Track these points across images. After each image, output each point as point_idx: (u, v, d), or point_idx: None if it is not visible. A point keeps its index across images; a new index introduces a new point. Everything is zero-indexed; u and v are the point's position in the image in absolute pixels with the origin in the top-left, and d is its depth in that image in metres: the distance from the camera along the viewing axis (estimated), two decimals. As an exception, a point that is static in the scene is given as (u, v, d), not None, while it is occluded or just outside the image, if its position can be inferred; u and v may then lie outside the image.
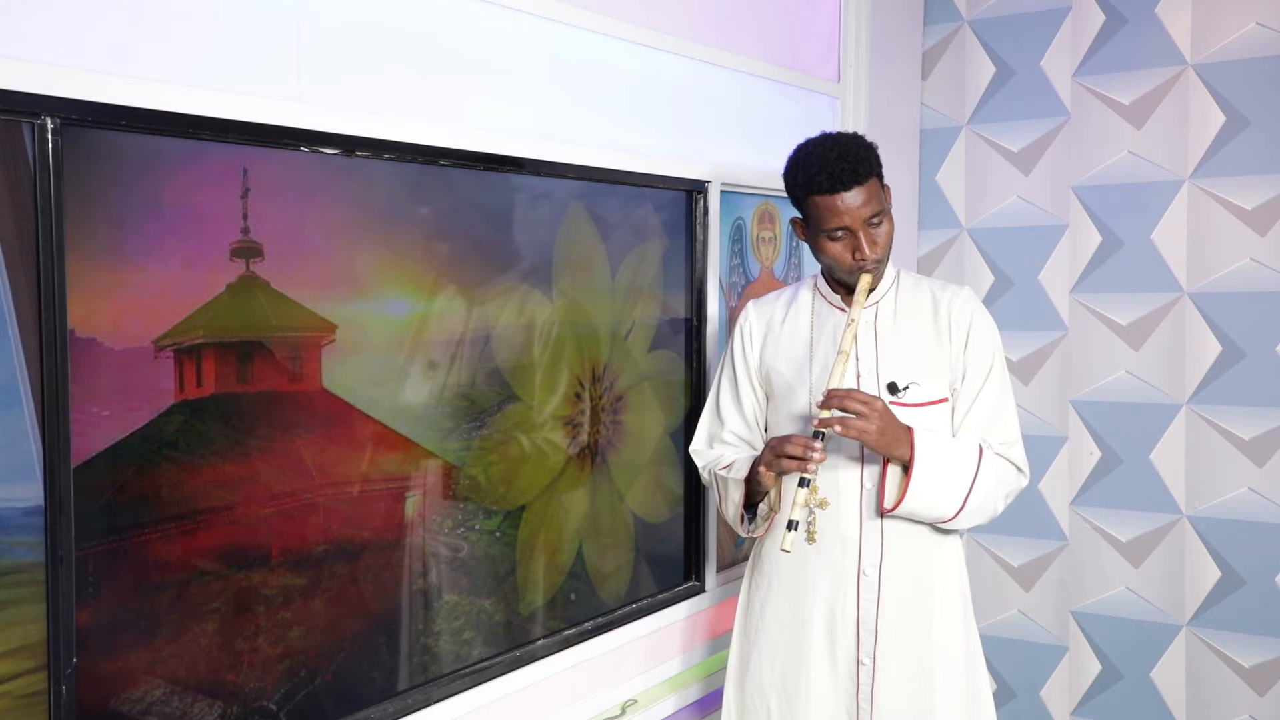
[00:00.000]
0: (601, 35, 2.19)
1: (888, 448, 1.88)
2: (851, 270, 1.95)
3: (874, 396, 1.86)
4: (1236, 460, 2.99)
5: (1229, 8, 2.96)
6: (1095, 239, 3.17)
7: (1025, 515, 3.29)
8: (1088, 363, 3.19)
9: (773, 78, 2.73)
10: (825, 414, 1.84)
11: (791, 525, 1.81)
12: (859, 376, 1.99)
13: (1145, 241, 3.09)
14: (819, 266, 2.08)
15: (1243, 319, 2.97)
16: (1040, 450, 3.26)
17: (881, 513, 1.96)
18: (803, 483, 1.83)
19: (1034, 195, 3.27)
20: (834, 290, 2.06)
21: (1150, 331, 3.09)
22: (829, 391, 1.84)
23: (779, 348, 2.08)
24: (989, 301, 3.33)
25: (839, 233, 1.92)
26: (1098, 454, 3.19)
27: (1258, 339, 2.95)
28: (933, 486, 1.91)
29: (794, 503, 1.82)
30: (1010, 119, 3.29)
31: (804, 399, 2.02)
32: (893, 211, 1.99)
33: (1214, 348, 3.01)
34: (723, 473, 2.06)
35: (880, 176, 1.96)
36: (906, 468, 1.91)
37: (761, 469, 1.92)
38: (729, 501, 2.05)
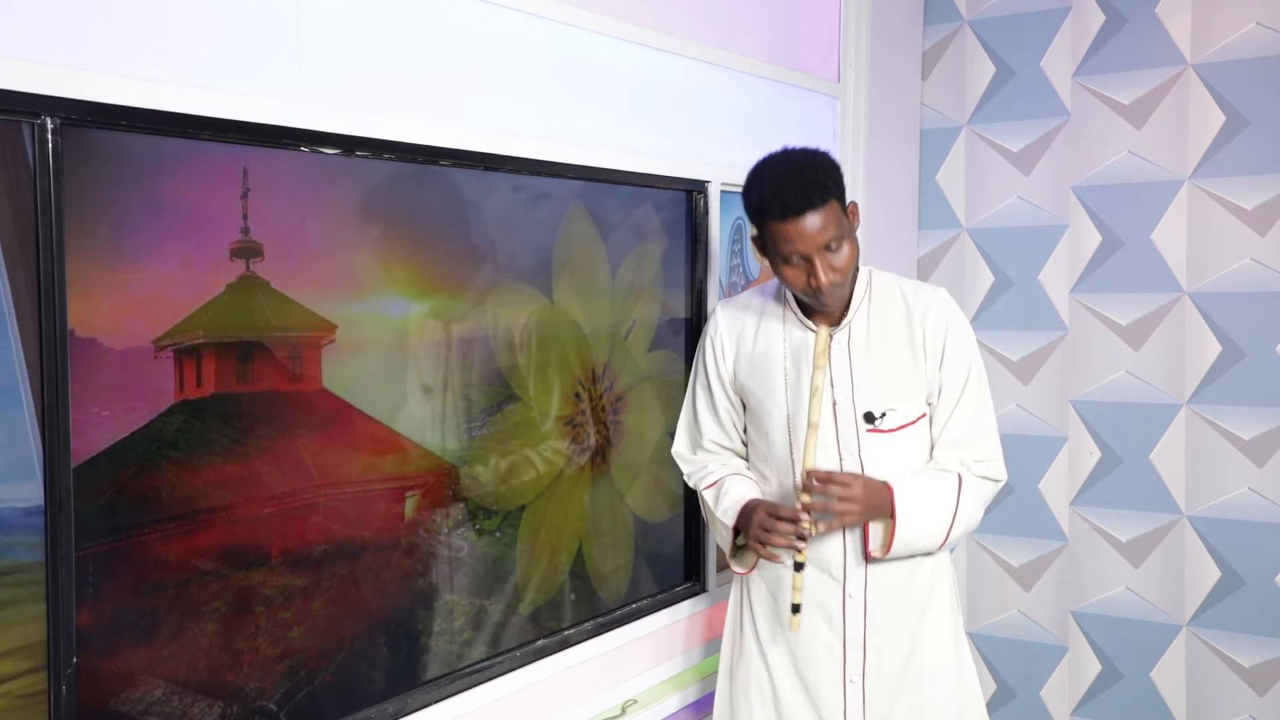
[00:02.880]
0: (602, 35, 2.19)
1: (873, 516, 1.91)
2: (807, 294, 1.90)
3: (853, 477, 1.86)
4: (1236, 460, 2.98)
5: (1229, 8, 2.96)
6: (1095, 239, 3.17)
7: (1025, 515, 3.29)
8: (1088, 363, 3.19)
9: (773, 78, 2.73)
10: (807, 498, 1.86)
11: (795, 609, 1.86)
12: (835, 405, 1.97)
13: (1145, 241, 3.09)
14: None
15: (1243, 319, 2.97)
16: (1040, 450, 3.26)
17: (867, 557, 1.97)
18: (798, 567, 1.86)
19: (1034, 195, 3.27)
20: (805, 315, 2.01)
21: (1150, 331, 3.09)
22: (809, 474, 1.86)
23: (752, 366, 2.06)
24: (989, 301, 3.33)
25: (795, 258, 1.86)
26: (1098, 454, 3.18)
27: (1258, 339, 2.95)
28: (916, 533, 1.93)
29: (794, 587, 1.86)
30: (1010, 119, 3.29)
31: (782, 426, 2.01)
32: (862, 229, 2.01)
33: (1214, 348, 3.00)
34: (707, 495, 2.07)
35: (840, 198, 1.87)
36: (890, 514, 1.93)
37: (752, 542, 1.94)
38: (716, 532, 2.08)
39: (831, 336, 1.93)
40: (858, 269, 1.98)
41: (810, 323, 2.00)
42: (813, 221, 1.81)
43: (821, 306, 1.94)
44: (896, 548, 1.93)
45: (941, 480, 1.96)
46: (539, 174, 2.07)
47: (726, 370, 2.09)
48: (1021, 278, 3.29)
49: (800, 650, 2.01)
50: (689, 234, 2.49)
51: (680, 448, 2.19)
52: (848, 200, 1.91)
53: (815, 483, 1.85)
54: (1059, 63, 3.21)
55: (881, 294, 2.01)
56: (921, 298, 1.99)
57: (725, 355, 2.09)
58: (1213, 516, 3.02)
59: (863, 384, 1.96)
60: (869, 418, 1.95)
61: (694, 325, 2.51)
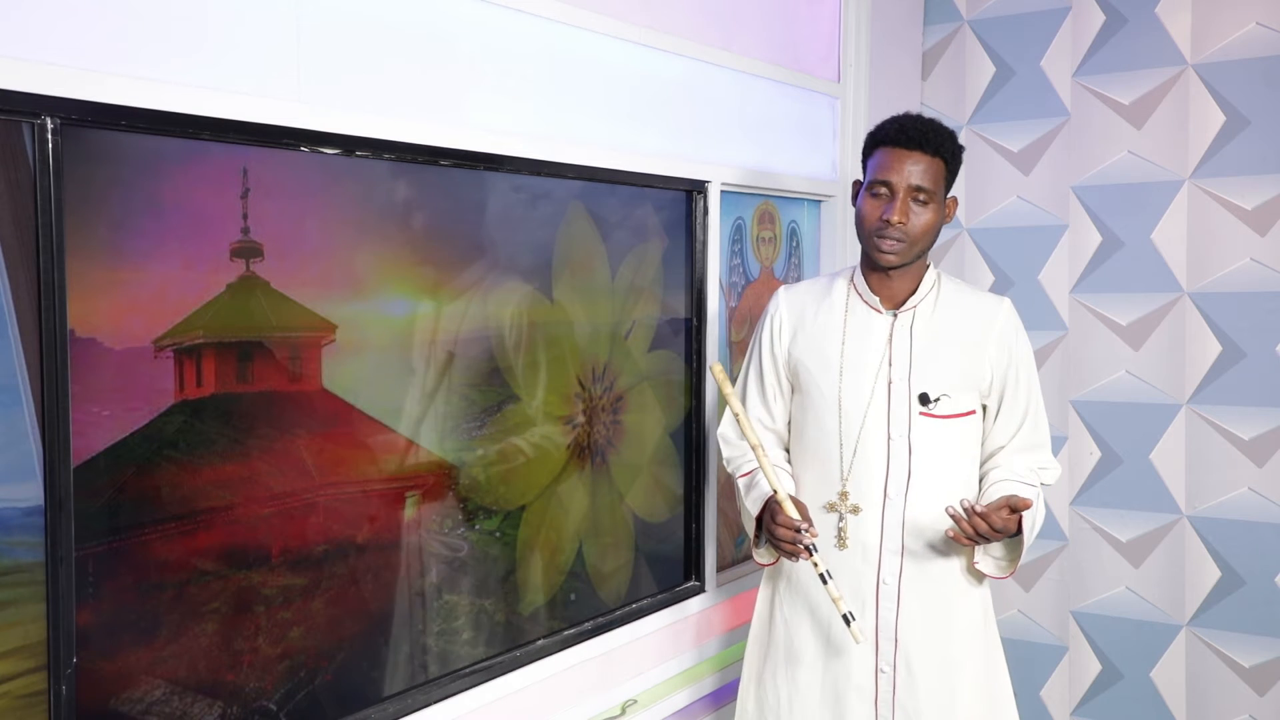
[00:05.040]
0: (601, 35, 2.19)
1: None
2: (872, 232, 1.92)
3: (1006, 518, 1.84)
4: (1236, 460, 2.98)
5: (1229, 8, 2.96)
6: (1095, 239, 3.17)
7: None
8: (1088, 363, 3.19)
9: (773, 78, 2.73)
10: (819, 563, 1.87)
11: (848, 620, 1.84)
12: (890, 384, 1.98)
13: (1145, 241, 3.09)
14: (854, 259, 2.08)
15: (1243, 319, 2.97)
16: (1040, 450, 3.26)
17: (973, 568, 2.00)
18: (823, 579, 1.85)
19: (1034, 195, 3.27)
20: (871, 290, 2.02)
21: (1150, 331, 3.09)
22: (969, 508, 1.82)
23: (810, 343, 2.05)
24: (989, 301, 3.33)
25: (880, 188, 1.91)
26: (1098, 454, 3.19)
27: (1258, 339, 2.95)
28: (1028, 544, 1.95)
29: (834, 599, 1.85)
30: (1010, 119, 3.29)
31: (832, 406, 2.00)
32: (946, 224, 2.00)
33: (1214, 348, 3.01)
34: (741, 483, 2.09)
35: (950, 166, 1.94)
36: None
37: (769, 539, 1.97)
38: (744, 518, 2.10)
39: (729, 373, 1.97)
40: (927, 255, 2.01)
41: (875, 303, 2.01)
42: (916, 161, 1.89)
43: (879, 256, 1.94)
44: (1018, 569, 2.01)
45: (1039, 499, 1.98)
46: (539, 174, 2.06)
47: (781, 349, 2.09)
48: (1021, 278, 3.29)
49: (833, 635, 2.02)
50: (689, 234, 2.49)
51: (725, 428, 2.17)
52: (950, 194, 1.99)
53: (971, 515, 1.82)
54: (1059, 63, 3.21)
55: (950, 291, 2.03)
56: (990, 303, 2.03)
57: (783, 334, 2.09)
58: (1213, 516, 3.02)
59: (921, 367, 1.97)
60: (924, 399, 1.95)
61: (694, 325, 2.51)
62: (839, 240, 2.99)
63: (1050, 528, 3.26)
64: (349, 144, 1.68)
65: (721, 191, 2.56)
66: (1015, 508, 1.83)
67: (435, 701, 1.88)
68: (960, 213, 3.37)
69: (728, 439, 2.17)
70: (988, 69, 3.32)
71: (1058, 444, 3.23)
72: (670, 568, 2.50)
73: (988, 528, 1.81)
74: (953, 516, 1.83)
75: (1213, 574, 3.03)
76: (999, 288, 3.32)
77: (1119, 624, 3.17)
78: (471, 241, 1.94)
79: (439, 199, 1.87)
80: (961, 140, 3.34)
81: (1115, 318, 3.15)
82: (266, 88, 1.56)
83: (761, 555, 2.08)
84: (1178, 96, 3.03)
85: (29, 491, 1.31)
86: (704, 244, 2.51)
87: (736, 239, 2.67)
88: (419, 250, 1.84)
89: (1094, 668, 3.22)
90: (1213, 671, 3.04)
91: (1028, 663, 3.32)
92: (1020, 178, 3.28)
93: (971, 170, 3.36)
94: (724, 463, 2.18)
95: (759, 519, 2.01)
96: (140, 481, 1.43)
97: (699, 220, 2.49)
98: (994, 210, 3.33)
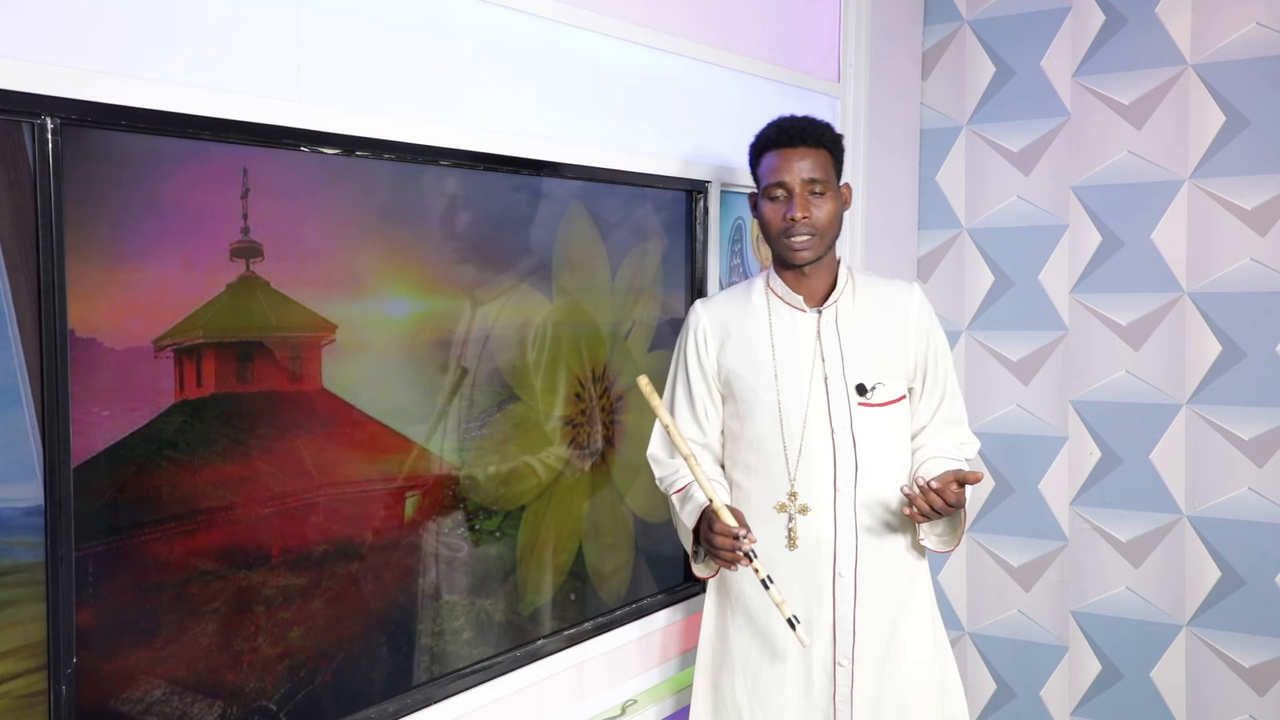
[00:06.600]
0: (601, 35, 2.19)
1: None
2: (780, 234, 1.97)
3: (957, 492, 1.85)
4: (1236, 460, 2.98)
5: (1229, 8, 2.96)
6: (1095, 239, 3.17)
7: (1025, 515, 3.29)
8: (1088, 363, 3.19)
9: (773, 78, 2.73)
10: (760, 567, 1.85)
11: (793, 624, 1.82)
12: (826, 379, 1.99)
13: (1145, 241, 3.09)
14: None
15: (1243, 319, 2.97)
16: (1040, 450, 3.26)
17: (917, 544, 2.04)
18: (764, 585, 1.83)
19: (1034, 195, 3.27)
20: (792, 290, 2.03)
21: (1150, 331, 3.09)
22: (923, 484, 1.85)
23: (739, 350, 2.05)
24: (989, 301, 3.33)
25: (778, 191, 1.97)
26: (1098, 454, 3.18)
27: (1258, 339, 2.95)
28: (971, 519, 1.98)
29: (777, 603, 1.83)
30: (1010, 119, 3.29)
31: (772, 409, 2.00)
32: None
33: (1214, 348, 3.00)
34: (675, 500, 2.06)
35: (834, 154, 2.00)
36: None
37: (707, 548, 1.94)
38: (681, 534, 2.07)
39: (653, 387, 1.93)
40: (836, 250, 2.08)
41: (798, 302, 2.03)
42: (803, 157, 1.96)
43: (792, 255, 1.98)
44: (962, 540, 2.05)
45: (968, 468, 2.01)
46: (539, 174, 2.07)
47: (710, 362, 2.07)
48: (1021, 278, 3.29)
49: (783, 639, 2.01)
50: (689, 234, 2.49)
51: (655, 449, 2.13)
52: (842, 181, 2.05)
53: (925, 491, 1.85)
54: (1059, 63, 3.21)
55: (864, 284, 2.09)
56: (902, 290, 2.09)
57: (709, 345, 2.07)
58: (1213, 516, 3.02)
59: (853, 358, 2.01)
60: (861, 389, 1.98)
61: (694, 325, 2.51)
62: (839, 240, 2.99)
63: (1050, 527, 3.26)
64: (349, 144, 1.68)
65: (721, 191, 2.56)
66: (964, 481, 1.86)
67: (435, 701, 1.88)
68: (960, 212, 3.37)
69: (658, 459, 2.12)
70: (988, 69, 3.32)
71: (1058, 444, 3.23)
72: (670, 568, 2.50)
73: (942, 503, 1.85)
74: (908, 495, 1.87)
75: (1213, 574, 3.03)
76: (999, 287, 3.32)
77: (1119, 624, 3.17)
78: (471, 241, 1.94)
79: (438, 199, 1.87)
80: (961, 140, 3.36)
81: (1115, 318, 3.15)
82: (266, 88, 1.57)
83: (700, 569, 2.05)
84: (1178, 96, 3.03)
85: (29, 491, 1.31)
86: (704, 244, 2.51)
87: (736, 239, 2.67)
88: (419, 250, 1.84)
89: (1094, 668, 3.22)
90: (1213, 671, 3.04)
91: (1028, 663, 3.32)
92: (1020, 178, 3.28)
93: (971, 170, 3.36)
94: (656, 483, 2.14)
95: (696, 531, 1.98)
96: (140, 481, 1.43)
97: (699, 220, 2.49)
98: (994, 210, 3.33)
